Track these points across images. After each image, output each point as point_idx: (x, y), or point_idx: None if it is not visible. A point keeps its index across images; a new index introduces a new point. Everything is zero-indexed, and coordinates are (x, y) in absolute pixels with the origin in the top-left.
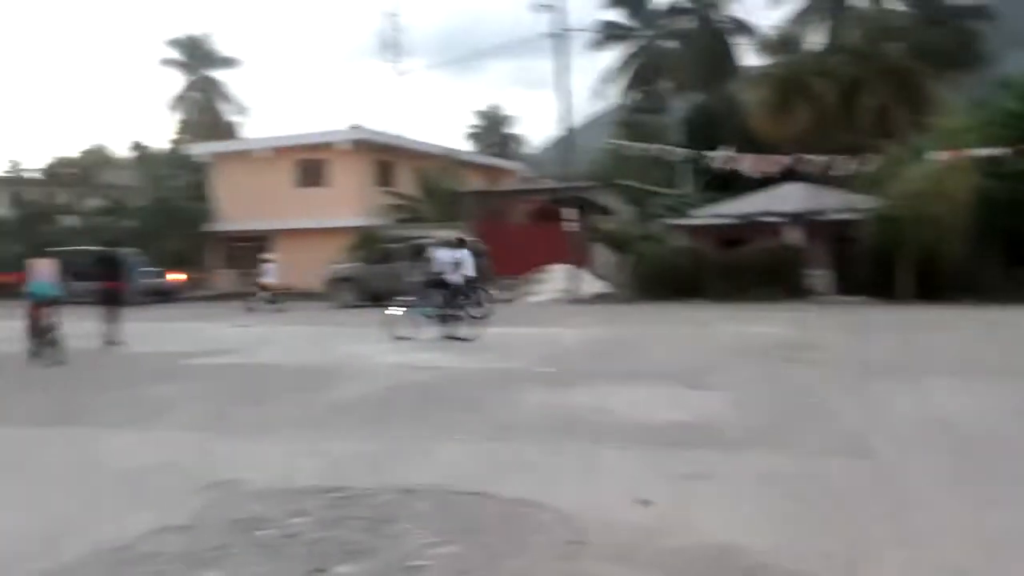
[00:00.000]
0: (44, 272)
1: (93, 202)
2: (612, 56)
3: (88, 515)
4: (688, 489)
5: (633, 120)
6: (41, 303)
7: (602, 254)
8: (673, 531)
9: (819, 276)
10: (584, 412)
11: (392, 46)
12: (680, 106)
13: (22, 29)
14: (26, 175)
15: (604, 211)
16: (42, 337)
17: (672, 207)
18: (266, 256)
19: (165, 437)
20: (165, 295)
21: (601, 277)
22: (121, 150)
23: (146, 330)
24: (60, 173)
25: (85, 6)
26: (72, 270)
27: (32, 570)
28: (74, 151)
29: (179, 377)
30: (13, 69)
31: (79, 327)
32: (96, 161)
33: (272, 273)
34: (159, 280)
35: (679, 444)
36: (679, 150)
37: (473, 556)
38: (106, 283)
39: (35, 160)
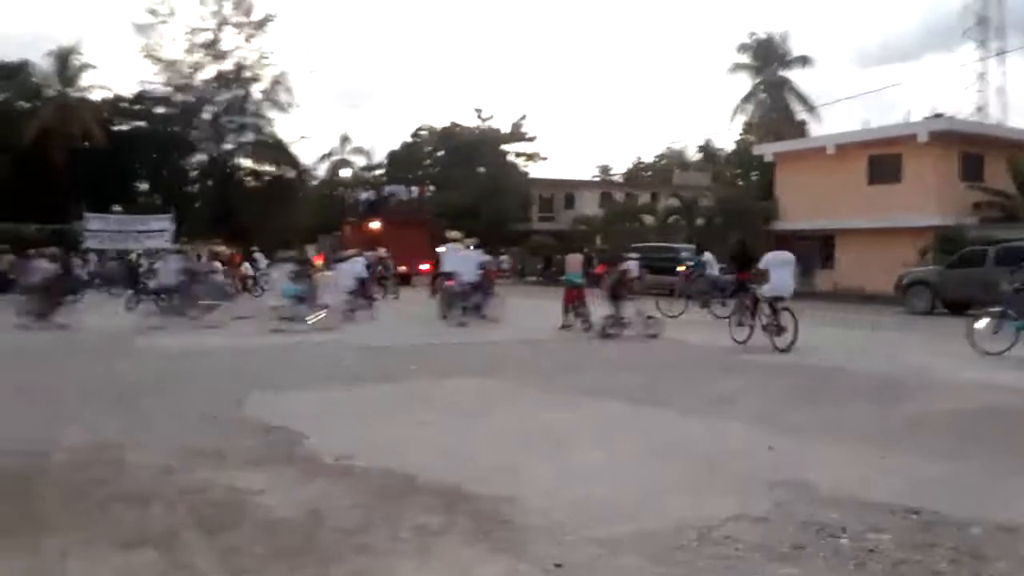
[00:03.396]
0: (574, 265)
1: (667, 202)
2: None
3: (669, 491)
4: None
5: None
6: (573, 288)
7: None
8: None
9: None
10: None
11: (983, 24)
12: None
13: (602, 50)
14: (612, 179)
15: None
16: (578, 314)
17: None
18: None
19: (732, 428)
20: (723, 291)
21: None
22: (692, 153)
23: (695, 319)
24: (639, 176)
25: (662, 25)
26: (648, 264)
27: (621, 531)
28: (650, 155)
29: (739, 371)
30: (600, 83)
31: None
32: (670, 164)
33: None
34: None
35: None
36: None
37: None
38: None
39: (619, 165)
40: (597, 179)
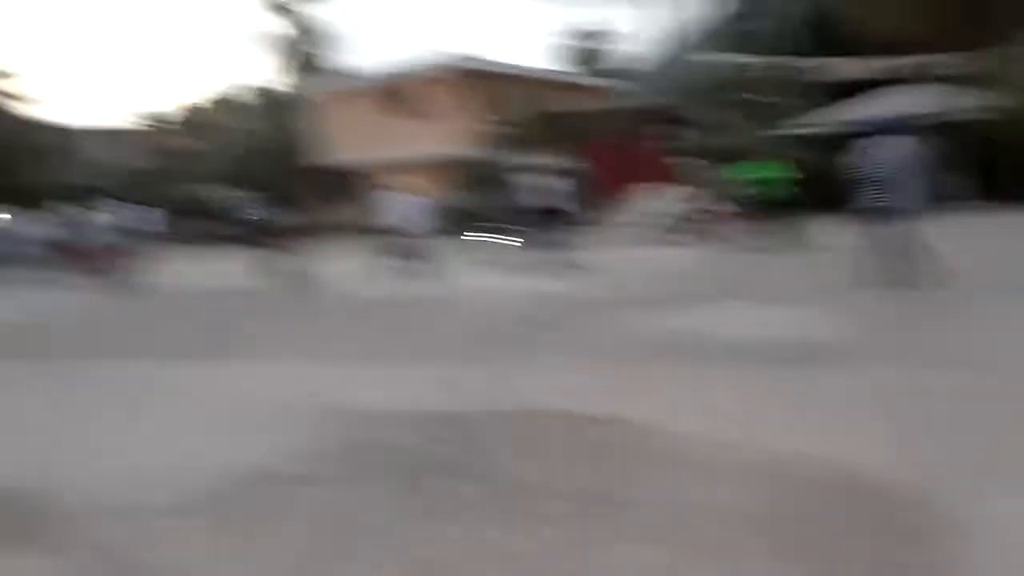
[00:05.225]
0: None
1: (204, 145)
2: None
3: (212, 443)
4: (769, 404)
5: (736, 29)
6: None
7: (701, 173)
8: (744, 445)
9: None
10: (679, 334)
11: None
12: (788, 11)
13: None
14: (146, 124)
15: (704, 127)
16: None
17: (773, 120)
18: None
19: (277, 368)
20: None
21: (700, 198)
22: (229, 93)
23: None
24: (176, 120)
25: None
26: (187, 211)
27: (167, 498)
28: (186, 98)
29: (292, 310)
30: (125, 20)
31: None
32: (207, 106)
33: None
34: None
35: (775, 361)
36: (780, 59)
37: (577, 478)
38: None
39: (152, 108)
40: (128, 126)
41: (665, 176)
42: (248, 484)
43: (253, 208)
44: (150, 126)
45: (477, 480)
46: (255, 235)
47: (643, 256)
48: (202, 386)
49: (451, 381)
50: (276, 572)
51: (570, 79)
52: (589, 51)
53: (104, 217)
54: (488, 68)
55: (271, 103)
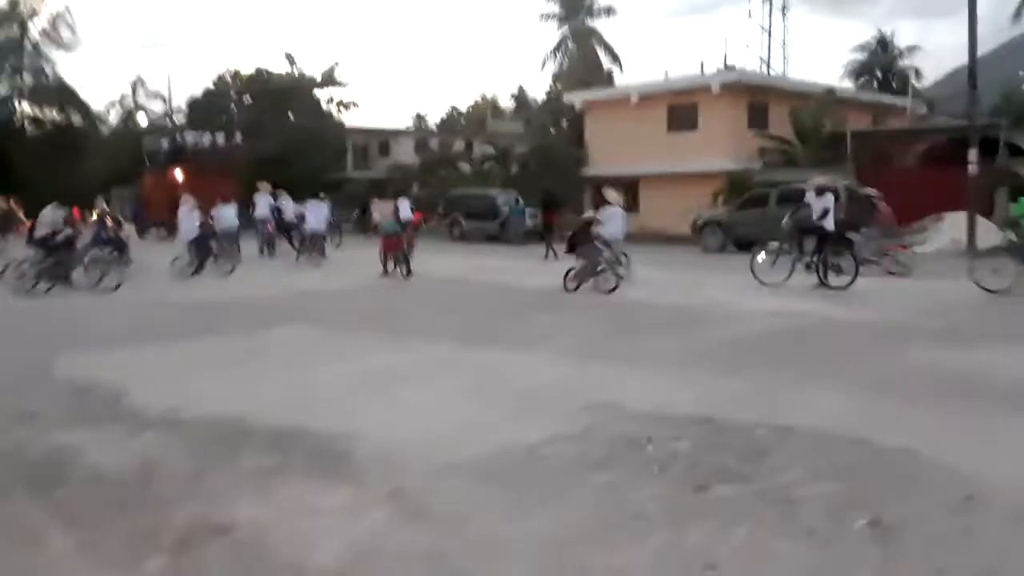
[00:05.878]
0: (387, 212)
1: (482, 150)
2: None
3: (494, 421)
4: None
5: None
6: (388, 236)
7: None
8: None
9: None
10: (976, 371)
11: None
12: None
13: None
14: (427, 127)
15: (1017, 152)
16: (398, 262)
17: None
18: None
19: (550, 360)
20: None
21: (1008, 227)
22: (505, 100)
23: (513, 266)
24: (454, 123)
25: None
26: (465, 210)
27: (451, 458)
28: (465, 103)
29: (558, 308)
30: (413, 29)
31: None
32: (484, 112)
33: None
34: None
35: None
36: None
37: (849, 496)
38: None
39: (433, 112)
40: (412, 127)
41: (962, 201)
42: (521, 458)
43: (515, 208)
44: (423, 128)
45: (740, 483)
46: (516, 233)
47: (925, 286)
48: (479, 367)
49: (706, 390)
50: (537, 547)
51: (865, 97)
52: (880, 67)
53: (403, 207)
54: (769, 84)
55: (543, 111)
